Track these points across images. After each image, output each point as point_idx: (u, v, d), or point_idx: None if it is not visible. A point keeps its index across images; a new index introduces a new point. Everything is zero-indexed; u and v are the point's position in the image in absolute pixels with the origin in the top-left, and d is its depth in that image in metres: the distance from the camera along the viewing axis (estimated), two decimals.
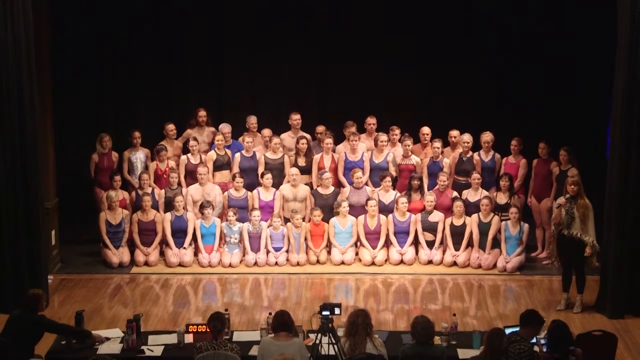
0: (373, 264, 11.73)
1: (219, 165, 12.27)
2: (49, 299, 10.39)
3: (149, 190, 11.91)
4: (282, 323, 7.65)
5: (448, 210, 11.86)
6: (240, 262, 11.76)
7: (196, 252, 11.83)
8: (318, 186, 12.11)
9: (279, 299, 10.76)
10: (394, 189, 12.07)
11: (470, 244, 11.72)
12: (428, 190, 12.00)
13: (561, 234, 10.12)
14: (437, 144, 12.16)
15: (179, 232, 11.74)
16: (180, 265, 11.69)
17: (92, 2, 13.37)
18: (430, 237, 11.83)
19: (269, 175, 11.95)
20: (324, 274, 11.55)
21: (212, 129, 12.69)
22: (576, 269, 10.22)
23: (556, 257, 10.33)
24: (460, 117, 13.26)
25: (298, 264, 11.72)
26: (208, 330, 7.83)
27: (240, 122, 12.83)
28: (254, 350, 8.18)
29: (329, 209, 11.88)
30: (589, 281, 10.33)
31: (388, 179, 11.94)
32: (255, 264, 11.71)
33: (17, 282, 10.04)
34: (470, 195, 11.89)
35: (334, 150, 12.39)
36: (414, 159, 12.24)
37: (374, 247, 11.79)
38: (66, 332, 8.46)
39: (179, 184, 12.10)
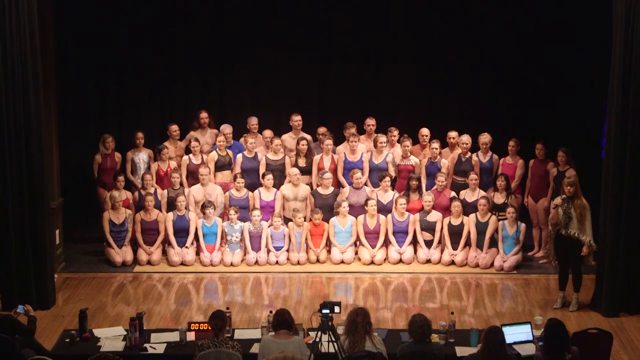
0: (372, 263, 11.79)
1: (220, 166, 12.33)
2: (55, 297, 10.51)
3: (152, 190, 11.96)
4: (282, 321, 7.71)
5: (446, 210, 11.91)
6: (242, 261, 11.83)
7: (198, 252, 11.90)
8: (318, 186, 12.17)
9: (280, 298, 10.81)
10: (392, 189, 12.15)
11: (468, 244, 11.76)
12: (426, 190, 12.06)
13: (559, 233, 10.17)
14: (435, 144, 12.21)
15: (181, 232, 11.81)
16: (183, 264, 11.77)
17: (96, 5, 13.44)
18: (428, 236, 11.89)
19: (269, 176, 12.03)
20: (324, 272, 11.60)
21: (214, 130, 12.72)
22: (573, 268, 10.26)
23: (553, 257, 10.38)
24: (459, 118, 13.35)
25: (298, 263, 11.78)
26: (209, 328, 7.84)
27: (241, 123, 12.90)
28: (254, 348, 8.26)
29: (328, 209, 11.95)
30: (585, 280, 10.38)
31: (387, 179, 12.01)
32: (256, 263, 11.78)
33: (23, 281, 10.07)
34: (468, 195, 11.95)
35: (333, 151, 12.43)
36: (413, 160, 12.30)
37: (373, 247, 11.86)
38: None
39: (181, 184, 12.20)
